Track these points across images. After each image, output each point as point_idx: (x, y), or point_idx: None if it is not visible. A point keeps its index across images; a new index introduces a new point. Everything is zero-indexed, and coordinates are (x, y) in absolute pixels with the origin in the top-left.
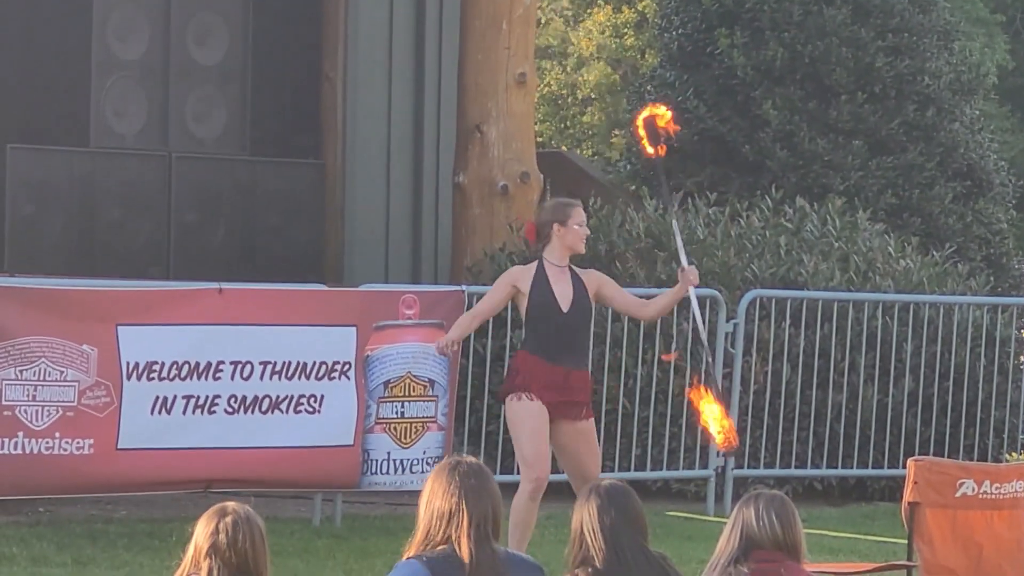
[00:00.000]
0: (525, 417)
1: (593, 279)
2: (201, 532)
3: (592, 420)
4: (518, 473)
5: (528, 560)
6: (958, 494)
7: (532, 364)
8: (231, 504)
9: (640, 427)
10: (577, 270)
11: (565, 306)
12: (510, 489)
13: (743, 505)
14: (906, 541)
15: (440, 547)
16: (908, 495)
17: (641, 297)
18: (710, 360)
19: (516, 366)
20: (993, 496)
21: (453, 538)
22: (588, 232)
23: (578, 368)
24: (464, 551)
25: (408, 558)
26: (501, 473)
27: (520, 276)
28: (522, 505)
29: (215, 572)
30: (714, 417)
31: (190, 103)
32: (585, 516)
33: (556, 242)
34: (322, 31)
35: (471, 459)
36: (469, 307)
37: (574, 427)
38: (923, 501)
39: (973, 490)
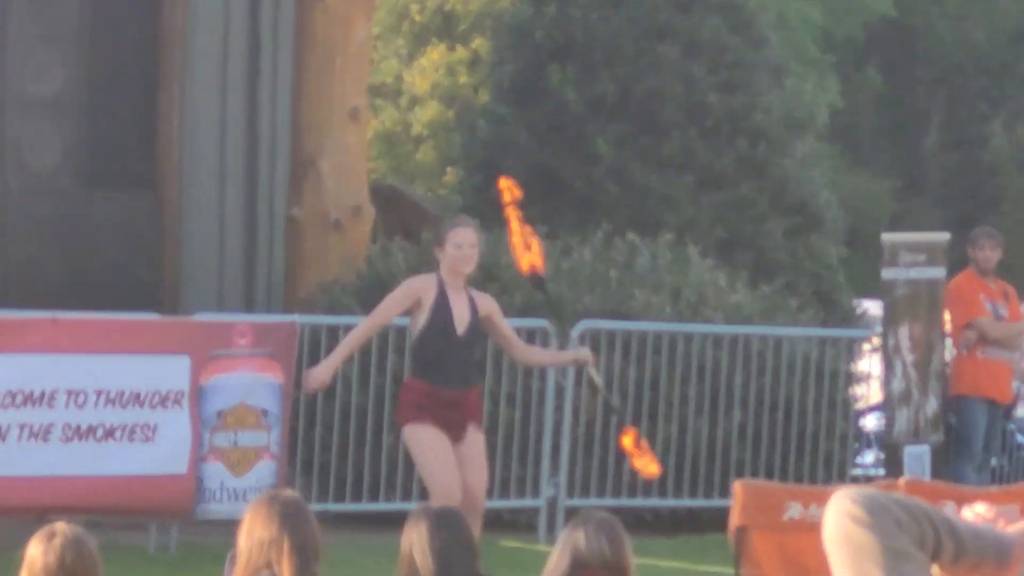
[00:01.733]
0: (428, 446)
1: (486, 304)
2: (35, 551)
3: (479, 431)
4: (352, 501)
5: None
6: (786, 517)
7: (423, 392)
8: (60, 524)
9: None
10: (473, 292)
11: (461, 329)
12: (345, 519)
13: (573, 527)
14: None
15: (262, 573)
16: (735, 518)
17: None
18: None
19: (408, 396)
20: (821, 519)
21: (274, 564)
22: (469, 255)
23: (467, 388)
24: (286, 575)
25: None
26: (334, 502)
27: (425, 288)
28: None
29: None
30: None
31: (26, 135)
32: (415, 538)
33: (441, 265)
34: (158, 64)
35: (289, 492)
36: (301, 339)
37: (463, 444)
38: (750, 524)
39: (800, 513)
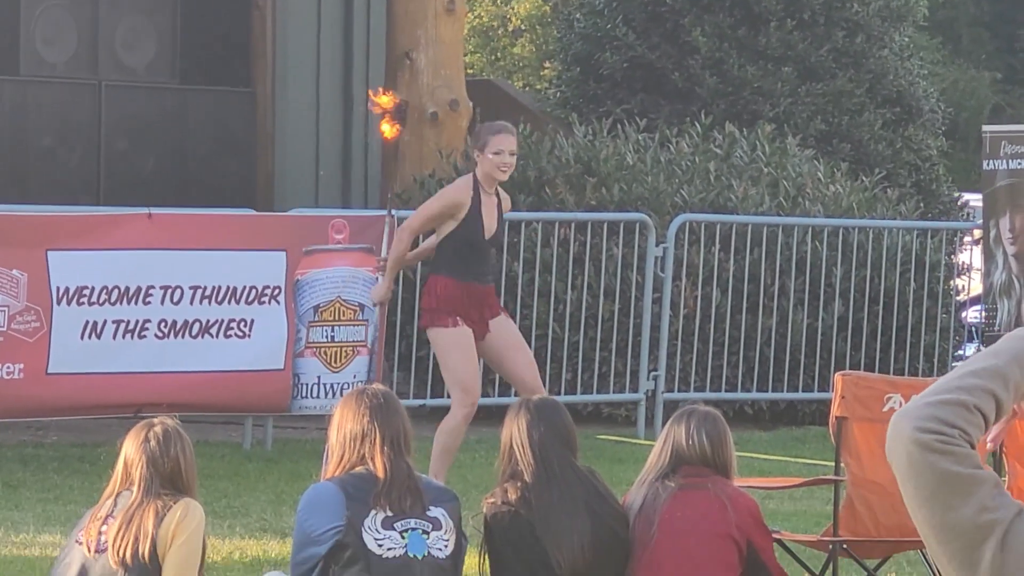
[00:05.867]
0: (456, 344)
1: (507, 204)
2: (131, 445)
3: (509, 319)
4: (449, 397)
5: (444, 487)
6: (885, 408)
7: (453, 288)
8: (156, 419)
9: (570, 352)
10: (500, 194)
11: (488, 233)
12: (441, 413)
13: (675, 421)
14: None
15: (356, 468)
16: (835, 409)
17: (569, 222)
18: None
19: (437, 292)
20: None
21: (367, 457)
22: (509, 162)
23: (488, 283)
24: (379, 466)
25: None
26: (432, 397)
27: (461, 197)
28: (453, 428)
29: (148, 481)
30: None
31: (120, 31)
32: (514, 431)
33: (478, 168)
34: None
35: (377, 385)
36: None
37: (495, 330)
38: (850, 416)
39: (900, 404)
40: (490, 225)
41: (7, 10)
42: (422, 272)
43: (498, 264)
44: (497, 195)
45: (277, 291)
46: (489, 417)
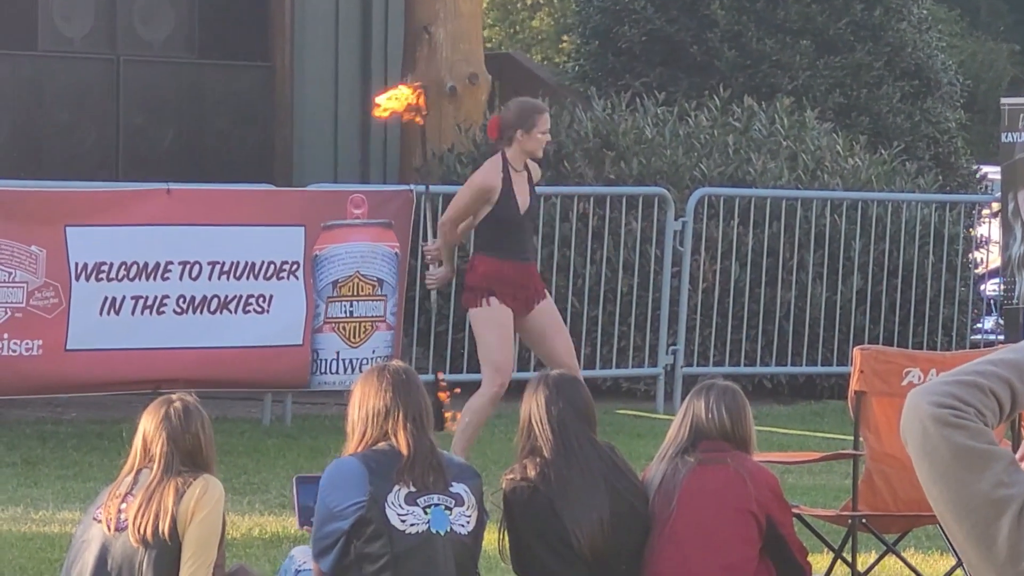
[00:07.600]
0: (494, 322)
1: (536, 173)
2: (150, 421)
3: (550, 300)
4: (469, 372)
5: (466, 464)
6: (904, 382)
7: (492, 266)
8: (174, 395)
9: (589, 326)
10: (529, 165)
11: (523, 209)
12: (462, 388)
13: (694, 396)
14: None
15: (379, 444)
16: (854, 384)
17: (587, 196)
18: None
19: (477, 270)
20: None
21: (390, 432)
22: (550, 138)
23: (528, 260)
24: (402, 442)
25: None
26: (451, 372)
27: (492, 181)
28: (481, 407)
29: (168, 458)
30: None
31: (138, 6)
32: (533, 406)
33: (516, 147)
34: None
35: (397, 362)
36: (417, 206)
37: (536, 311)
38: (869, 390)
39: (919, 379)
40: (524, 201)
41: None
42: None
43: (535, 240)
44: (527, 168)
45: (296, 266)
46: (509, 393)
